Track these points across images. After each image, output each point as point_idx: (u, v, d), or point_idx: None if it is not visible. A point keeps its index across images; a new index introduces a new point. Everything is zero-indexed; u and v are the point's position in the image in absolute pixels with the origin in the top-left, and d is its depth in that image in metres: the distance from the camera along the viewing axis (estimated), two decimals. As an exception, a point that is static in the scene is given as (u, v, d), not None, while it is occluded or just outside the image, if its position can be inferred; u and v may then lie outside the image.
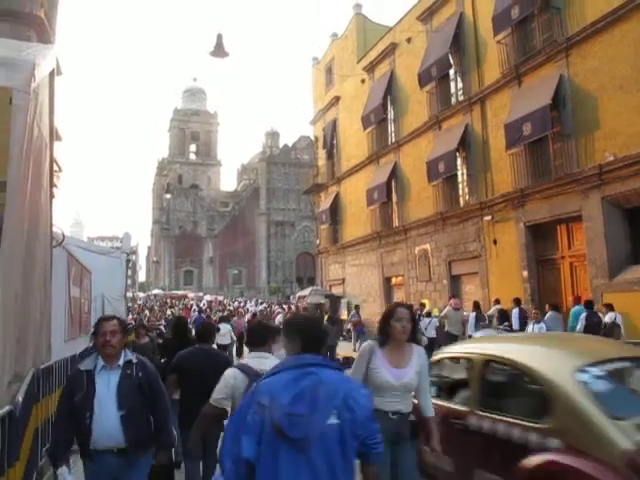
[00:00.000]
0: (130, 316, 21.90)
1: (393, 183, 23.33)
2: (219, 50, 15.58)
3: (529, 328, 12.07)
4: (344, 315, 25.61)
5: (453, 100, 19.95)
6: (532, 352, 4.88)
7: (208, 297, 51.43)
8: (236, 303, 45.57)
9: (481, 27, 17.88)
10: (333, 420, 2.37)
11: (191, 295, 53.26)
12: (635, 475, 3.45)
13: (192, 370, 5.07)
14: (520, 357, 4.74)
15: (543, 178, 15.47)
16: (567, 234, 15.18)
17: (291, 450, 2.31)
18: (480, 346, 5.65)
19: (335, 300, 27.32)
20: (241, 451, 2.34)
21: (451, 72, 19.88)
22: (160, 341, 10.56)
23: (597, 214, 13.65)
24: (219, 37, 15.53)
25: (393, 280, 24.22)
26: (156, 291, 60.71)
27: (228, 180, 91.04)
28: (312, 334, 2.69)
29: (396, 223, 23.43)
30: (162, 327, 16.94)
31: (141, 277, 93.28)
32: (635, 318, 11.72)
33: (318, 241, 33.52)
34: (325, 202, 30.27)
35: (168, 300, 47.05)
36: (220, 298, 51.14)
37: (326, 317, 18.73)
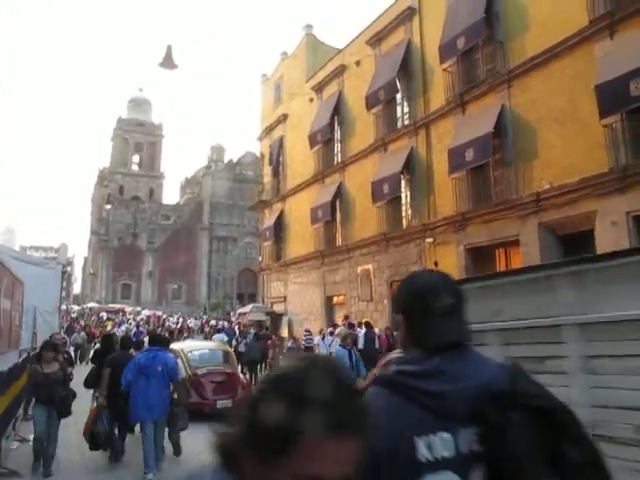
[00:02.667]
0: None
1: (338, 202, 23.55)
2: (168, 61, 15.41)
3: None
4: (285, 333, 25.48)
5: (399, 124, 20.40)
6: (182, 345, 14.25)
7: (146, 312, 50.09)
8: (174, 318, 44.68)
9: (428, 55, 18.42)
10: (160, 368, 7.75)
11: (128, 309, 51.72)
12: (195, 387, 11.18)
13: (118, 366, 8.02)
14: (175, 346, 13.04)
15: (484, 203, 15.98)
16: (505, 258, 15.72)
17: (145, 377, 7.60)
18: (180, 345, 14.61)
19: (276, 318, 27.18)
20: (127, 377, 7.63)
21: (398, 96, 20.34)
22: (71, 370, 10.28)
23: (534, 239, 14.19)
24: (169, 49, 15.38)
25: (335, 299, 24.33)
26: (92, 304, 58.67)
27: (171, 193, 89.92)
28: (155, 337, 9.57)
29: (339, 242, 23.62)
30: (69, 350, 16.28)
31: (76, 289, 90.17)
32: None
33: (261, 258, 33.32)
34: (269, 219, 30.20)
35: (103, 314, 45.56)
36: (159, 313, 49.93)
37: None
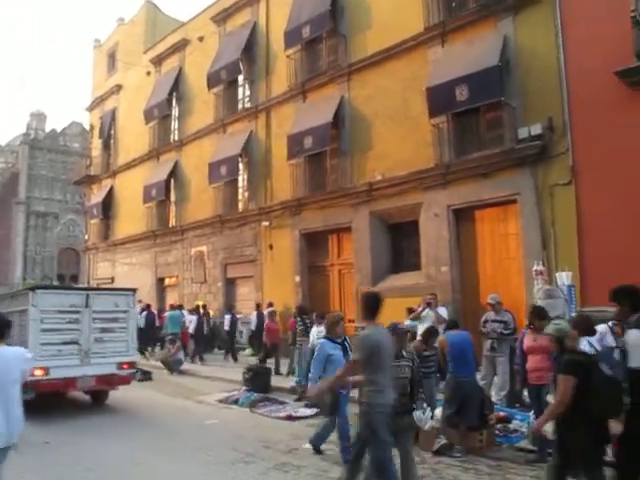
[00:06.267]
0: None
1: (172, 182, 22.86)
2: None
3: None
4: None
5: (240, 106, 20.27)
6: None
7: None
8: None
9: (273, 39, 18.50)
10: None
11: None
12: None
13: None
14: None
15: (319, 190, 16.51)
16: (338, 243, 16.40)
17: None
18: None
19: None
20: None
21: (240, 78, 20.18)
22: None
23: (365, 227, 14.99)
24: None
25: (167, 281, 23.67)
26: None
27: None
28: None
29: (173, 223, 22.99)
30: None
31: None
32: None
33: (86, 236, 31.28)
34: (97, 195, 28.47)
35: None
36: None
37: None
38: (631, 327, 4.60)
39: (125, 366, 10.34)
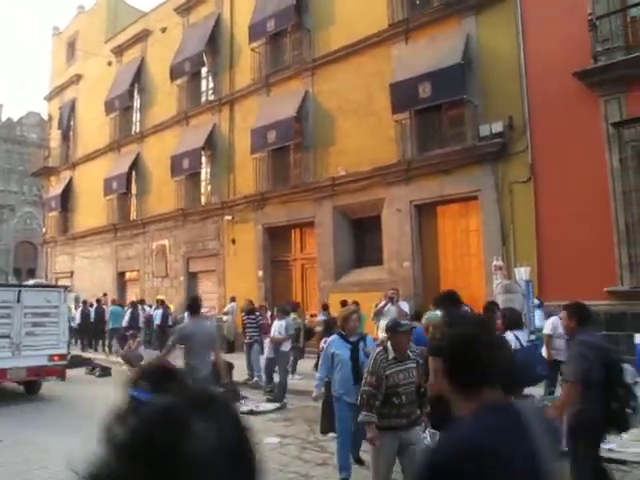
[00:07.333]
0: None
1: (134, 174, 22.49)
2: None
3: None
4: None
5: (203, 98, 20.07)
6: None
7: None
8: None
9: (238, 32, 18.32)
10: None
11: None
12: None
13: None
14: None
15: (283, 184, 16.48)
16: (301, 238, 16.40)
17: None
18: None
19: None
20: None
21: (204, 70, 19.97)
22: None
23: (328, 222, 15.02)
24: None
25: (128, 275, 23.31)
26: None
27: None
28: None
29: (134, 216, 22.63)
30: None
31: None
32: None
33: (44, 229, 30.49)
34: (56, 187, 27.80)
35: None
36: None
37: None
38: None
39: (56, 358, 10.81)
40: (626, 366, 4.79)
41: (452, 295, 5.80)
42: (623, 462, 5.98)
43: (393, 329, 4.62)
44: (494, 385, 1.64)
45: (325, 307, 12.64)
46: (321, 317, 12.58)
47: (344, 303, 11.03)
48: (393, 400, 4.45)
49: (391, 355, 4.51)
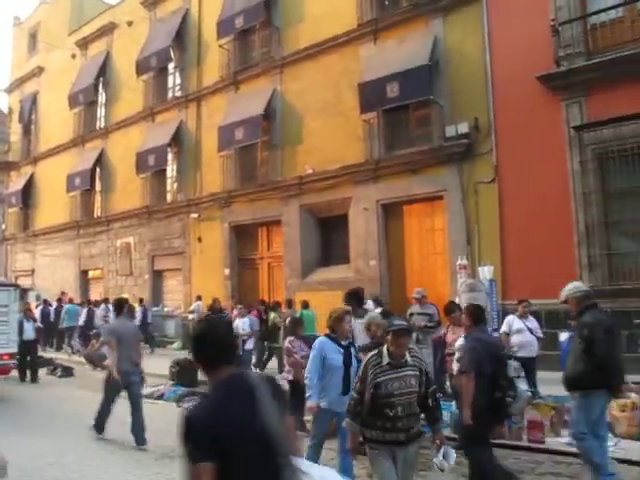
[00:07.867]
0: None
1: (98, 171, 22.12)
2: None
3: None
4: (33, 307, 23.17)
5: (170, 94, 19.82)
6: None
7: None
8: None
9: (205, 28, 18.14)
10: None
11: None
12: None
13: None
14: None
15: (250, 182, 16.42)
16: (267, 237, 16.36)
17: None
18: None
19: (22, 292, 24.51)
20: None
21: (171, 66, 19.74)
22: None
23: (295, 220, 15.01)
24: None
25: (91, 273, 22.91)
26: None
27: None
28: None
29: (98, 213, 22.26)
30: None
31: None
32: (320, 314, 13.11)
33: (4, 226, 29.70)
34: (16, 183, 27.13)
35: None
36: None
37: None
38: None
39: (5, 357, 10.83)
40: (511, 362, 5.42)
41: (358, 293, 7.79)
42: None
43: (387, 328, 4.04)
44: (230, 362, 2.20)
45: (290, 303, 12.53)
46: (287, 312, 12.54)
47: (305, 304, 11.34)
48: (386, 412, 3.77)
49: (385, 361, 3.84)
